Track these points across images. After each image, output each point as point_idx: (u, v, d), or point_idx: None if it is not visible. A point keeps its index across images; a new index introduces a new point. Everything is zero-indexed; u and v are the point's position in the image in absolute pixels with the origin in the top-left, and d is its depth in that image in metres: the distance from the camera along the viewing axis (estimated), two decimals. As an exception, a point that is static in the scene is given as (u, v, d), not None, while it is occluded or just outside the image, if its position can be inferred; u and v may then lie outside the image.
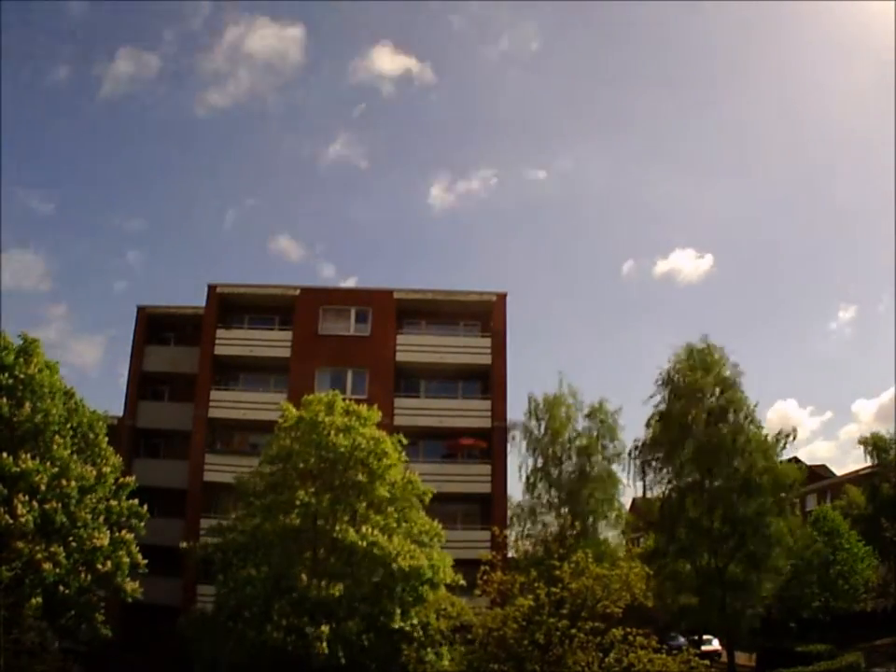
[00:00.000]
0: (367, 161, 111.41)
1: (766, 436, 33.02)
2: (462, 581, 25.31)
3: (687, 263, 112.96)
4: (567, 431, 35.82)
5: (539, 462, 35.81)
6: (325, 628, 22.68)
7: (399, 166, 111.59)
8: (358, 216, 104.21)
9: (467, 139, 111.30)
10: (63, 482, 21.68)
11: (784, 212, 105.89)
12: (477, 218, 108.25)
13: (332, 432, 25.77)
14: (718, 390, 33.50)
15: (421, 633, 24.25)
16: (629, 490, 36.76)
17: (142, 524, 23.82)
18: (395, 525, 25.83)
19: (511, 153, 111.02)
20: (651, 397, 34.39)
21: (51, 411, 22.40)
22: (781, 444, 33.38)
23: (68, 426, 23.15)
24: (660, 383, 34.47)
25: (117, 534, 22.88)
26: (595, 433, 35.79)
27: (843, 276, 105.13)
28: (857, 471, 48.68)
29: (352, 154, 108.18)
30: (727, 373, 33.73)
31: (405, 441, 27.53)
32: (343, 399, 27.99)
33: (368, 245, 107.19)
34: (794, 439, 33.49)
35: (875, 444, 41.23)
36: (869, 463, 43.33)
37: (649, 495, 35.25)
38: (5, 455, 21.00)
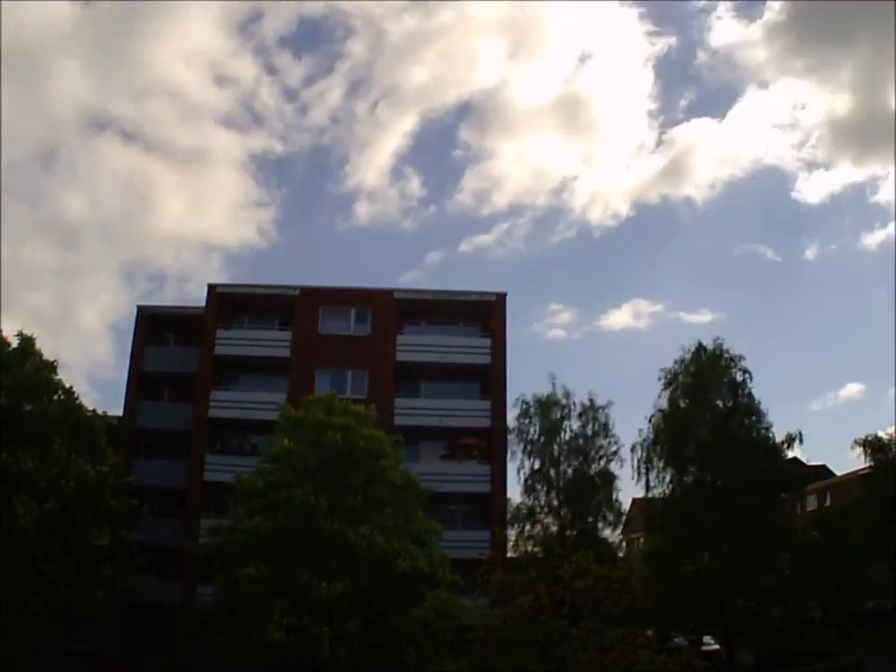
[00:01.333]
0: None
1: (772, 438, 33.08)
2: (461, 581, 25.30)
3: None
4: (563, 432, 35.90)
5: (536, 464, 35.84)
6: (326, 628, 22.69)
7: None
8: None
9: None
10: (63, 482, 21.68)
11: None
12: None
13: (331, 432, 25.78)
14: (726, 391, 33.51)
15: (421, 632, 24.25)
16: (630, 490, 36.86)
17: (142, 521, 23.84)
18: (394, 524, 25.82)
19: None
20: (666, 388, 34.19)
21: (50, 410, 22.39)
22: (786, 446, 33.49)
23: (67, 425, 23.13)
24: (665, 381, 34.43)
25: (116, 534, 22.89)
26: (589, 433, 35.88)
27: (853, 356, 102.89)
28: (857, 471, 48.62)
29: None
30: (737, 376, 33.75)
31: (402, 441, 27.51)
32: (343, 400, 28.02)
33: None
34: (801, 442, 33.65)
35: (872, 445, 41.23)
36: (866, 464, 43.32)
37: (651, 494, 35.22)
38: (4, 455, 21.01)
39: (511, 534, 34.53)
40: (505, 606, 21.06)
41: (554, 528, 35.17)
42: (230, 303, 39.89)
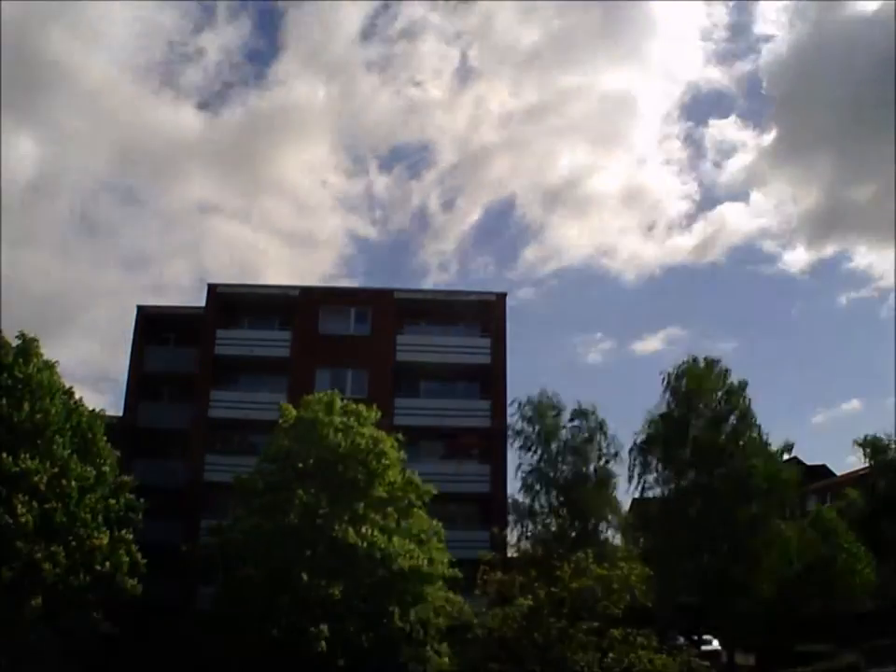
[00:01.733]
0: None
1: (767, 441, 33.29)
2: (461, 579, 25.27)
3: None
4: (560, 433, 35.95)
5: (534, 464, 35.90)
6: (325, 627, 22.68)
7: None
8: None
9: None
10: (63, 481, 21.68)
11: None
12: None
13: (331, 432, 25.77)
14: (721, 395, 33.81)
15: (420, 631, 24.27)
16: (630, 490, 36.81)
17: (139, 516, 23.84)
18: (394, 524, 25.82)
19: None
20: (664, 391, 34.54)
21: (51, 410, 22.37)
22: (781, 452, 33.80)
23: (67, 425, 23.13)
24: (664, 385, 34.68)
25: (116, 533, 22.88)
26: (586, 433, 35.96)
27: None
28: (856, 471, 48.66)
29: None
30: (732, 381, 34.13)
31: (402, 440, 27.50)
32: (343, 399, 28.00)
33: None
34: (790, 452, 34.17)
35: (872, 445, 41.27)
36: (866, 464, 43.39)
37: (649, 495, 35.30)
38: (4, 454, 21.01)
39: (511, 534, 34.58)
40: (504, 606, 21.09)
41: (554, 528, 35.19)
42: (230, 303, 39.91)
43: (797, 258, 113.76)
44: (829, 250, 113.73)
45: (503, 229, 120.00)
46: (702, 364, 34.87)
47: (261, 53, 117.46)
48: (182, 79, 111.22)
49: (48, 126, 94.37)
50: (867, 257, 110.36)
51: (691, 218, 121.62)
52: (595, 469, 35.45)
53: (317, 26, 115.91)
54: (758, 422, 33.65)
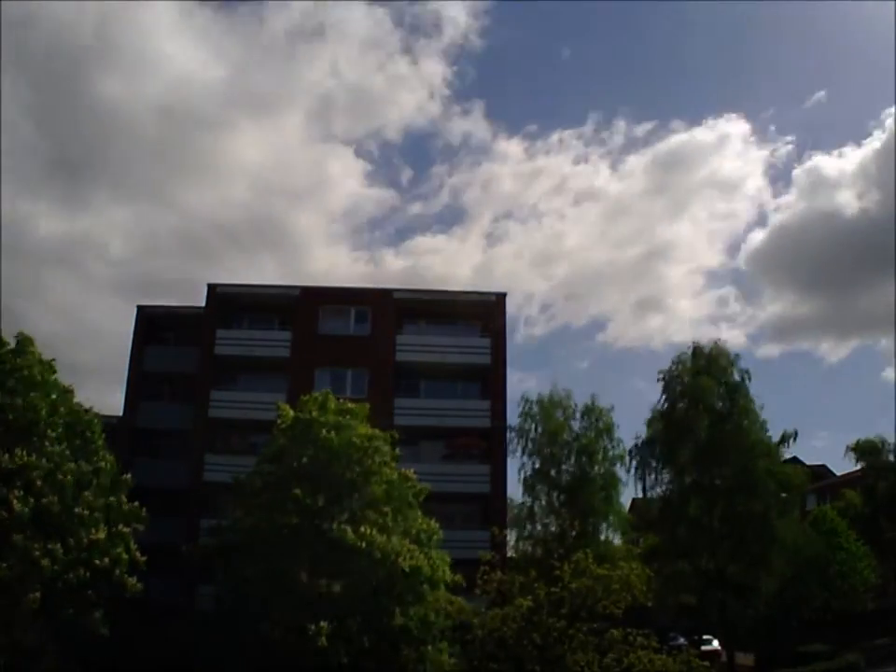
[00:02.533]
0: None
1: (770, 438, 33.02)
2: (462, 582, 25.25)
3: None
4: (565, 432, 35.78)
5: (537, 464, 35.77)
6: (325, 624, 22.63)
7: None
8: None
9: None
10: (59, 476, 21.66)
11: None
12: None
13: (325, 430, 25.73)
14: (723, 391, 33.38)
15: (420, 631, 24.23)
16: (630, 491, 36.69)
17: (141, 526, 23.80)
18: (392, 523, 25.76)
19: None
20: (664, 390, 34.28)
21: (39, 404, 22.29)
22: (784, 446, 33.50)
23: (59, 420, 23.05)
24: (662, 382, 34.41)
25: (114, 529, 22.81)
26: (593, 434, 35.74)
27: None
28: (856, 472, 48.67)
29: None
30: (735, 377, 33.66)
31: (397, 437, 27.43)
32: (343, 400, 27.97)
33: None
34: (795, 440, 33.63)
35: (866, 449, 41.40)
36: (861, 466, 43.50)
37: (649, 495, 35.19)
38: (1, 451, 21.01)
39: (511, 534, 34.51)
40: (504, 606, 21.07)
41: (554, 529, 35.10)
42: (230, 303, 39.92)
43: (770, 350, 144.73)
44: (791, 346, 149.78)
45: (587, 327, 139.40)
46: (708, 350, 34.12)
47: (430, 220, 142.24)
48: (364, 239, 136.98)
49: (257, 269, 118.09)
50: (821, 345, 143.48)
51: (718, 318, 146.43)
52: (601, 471, 35.24)
53: (483, 213, 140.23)
54: (760, 419, 33.14)
